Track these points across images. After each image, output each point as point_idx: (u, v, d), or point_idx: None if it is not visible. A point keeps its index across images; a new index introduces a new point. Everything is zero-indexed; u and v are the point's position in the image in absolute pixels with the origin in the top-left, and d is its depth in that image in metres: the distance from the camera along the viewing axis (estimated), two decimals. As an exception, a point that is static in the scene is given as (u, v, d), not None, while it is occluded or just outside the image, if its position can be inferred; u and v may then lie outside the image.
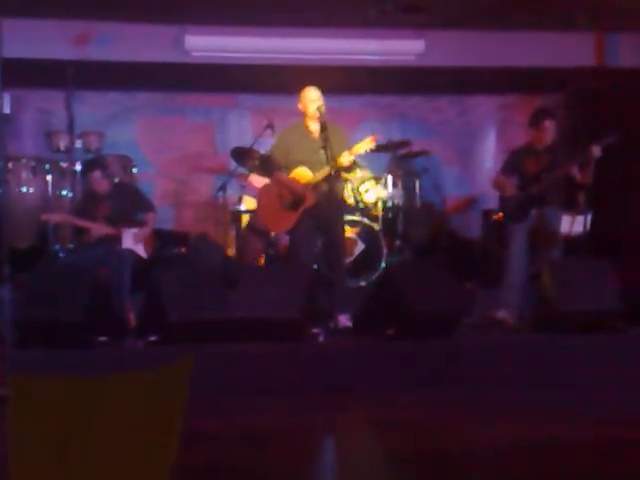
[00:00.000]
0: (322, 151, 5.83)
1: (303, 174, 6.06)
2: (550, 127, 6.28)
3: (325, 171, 5.90)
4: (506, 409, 4.79)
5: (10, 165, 7.32)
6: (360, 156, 6.07)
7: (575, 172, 6.17)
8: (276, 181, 6.24)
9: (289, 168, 6.12)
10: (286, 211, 6.14)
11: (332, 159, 5.79)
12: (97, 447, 2.16)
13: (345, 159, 5.91)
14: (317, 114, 5.93)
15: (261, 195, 6.48)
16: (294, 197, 6.08)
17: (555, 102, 8.53)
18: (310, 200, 6.02)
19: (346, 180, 6.13)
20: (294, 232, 6.19)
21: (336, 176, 5.97)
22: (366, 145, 5.93)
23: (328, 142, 5.79)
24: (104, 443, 2.17)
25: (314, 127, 6.03)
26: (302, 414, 4.71)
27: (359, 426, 4.55)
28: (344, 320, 6.01)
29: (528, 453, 3.83)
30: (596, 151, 6.01)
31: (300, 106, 6.05)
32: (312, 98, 5.98)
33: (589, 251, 6.62)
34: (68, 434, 2.15)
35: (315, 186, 6.01)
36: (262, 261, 7.46)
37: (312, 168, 6.00)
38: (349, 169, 6.09)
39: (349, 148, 5.97)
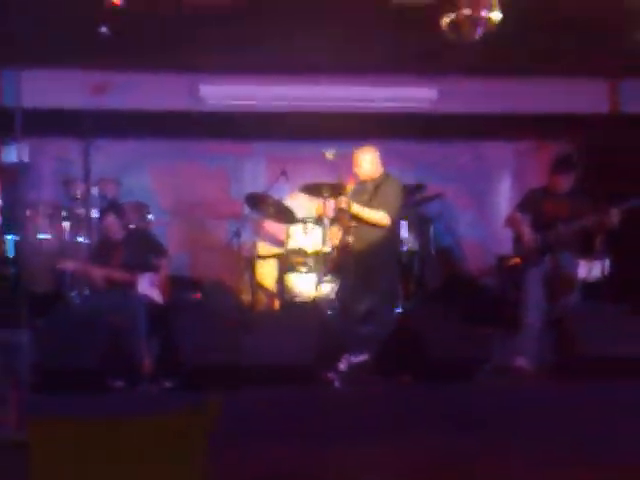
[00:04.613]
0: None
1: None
2: (567, 180, 6.28)
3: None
4: (525, 459, 4.72)
5: (28, 212, 7.39)
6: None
7: (592, 226, 6.19)
8: None
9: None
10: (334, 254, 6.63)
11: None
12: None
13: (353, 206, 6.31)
14: (364, 177, 6.36)
15: None
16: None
17: (571, 148, 8.56)
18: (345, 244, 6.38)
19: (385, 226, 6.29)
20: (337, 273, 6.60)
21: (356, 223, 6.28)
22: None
23: (374, 197, 6.31)
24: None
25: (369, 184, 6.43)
26: (317, 460, 4.65)
27: (371, 472, 4.49)
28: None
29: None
30: (615, 216, 6.01)
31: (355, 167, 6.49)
32: (356, 164, 6.42)
33: (608, 296, 6.58)
34: (87, 477, 2.13)
35: (349, 231, 6.32)
36: (277, 306, 7.46)
37: None
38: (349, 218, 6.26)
39: (396, 198, 6.44)
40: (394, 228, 6.46)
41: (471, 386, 5.63)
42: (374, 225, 6.23)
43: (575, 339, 5.81)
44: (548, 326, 6.17)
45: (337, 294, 6.41)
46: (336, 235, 6.47)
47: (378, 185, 6.30)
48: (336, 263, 6.41)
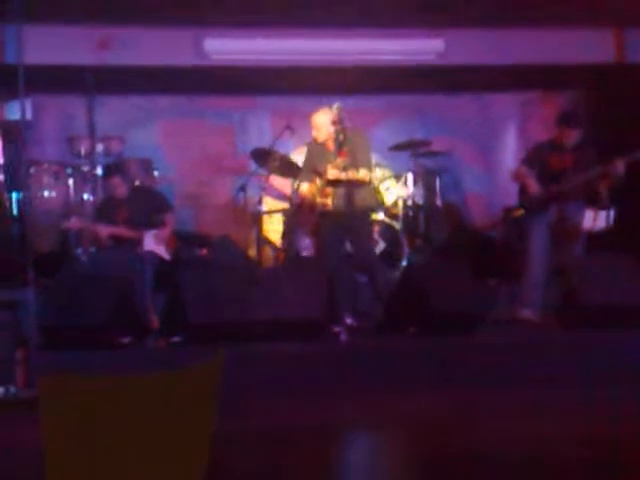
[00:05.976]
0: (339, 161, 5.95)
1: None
2: (573, 134, 6.22)
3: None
4: (530, 408, 4.76)
5: (32, 170, 7.37)
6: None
7: (598, 178, 6.16)
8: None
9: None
10: (308, 215, 6.41)
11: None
12: (128, 447, 2.16)
13: (331, 173, 5.99)
14: (331, 137, 6.02)
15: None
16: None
17: (576, 99, 8.48)
18: (322, 204, 6.18)
19: (367, 183, 6.13)
20: (318, 234, 6.36)
21: (345, 183, 5.98)
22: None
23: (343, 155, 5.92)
24: (135, 442, 2.16)
25: (330, 143, 6.10)
26: (325, 414, 4.70)
27: (381, 425, 4.53)
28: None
29: (551, 452, 3.79)
30: (620, 167, 5.97)
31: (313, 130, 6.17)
32: (318, 125, 6.09)
33: (612, 246, 6.56)
34: (98, 433, 2.15)
35: (327, 191, 6.12)
36: (282, 261, 7.47)
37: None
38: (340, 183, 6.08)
39: (369, 151, 6.17)
40: (371, 183, 6.30)
41: (475, 338, 5.65)
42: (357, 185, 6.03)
43: (579, 289, 5.82)
44: (552, 277, 6.18)
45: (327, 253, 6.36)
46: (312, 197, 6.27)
47: (342, 142, 5.91)
48: (314, 225, 6.34)
